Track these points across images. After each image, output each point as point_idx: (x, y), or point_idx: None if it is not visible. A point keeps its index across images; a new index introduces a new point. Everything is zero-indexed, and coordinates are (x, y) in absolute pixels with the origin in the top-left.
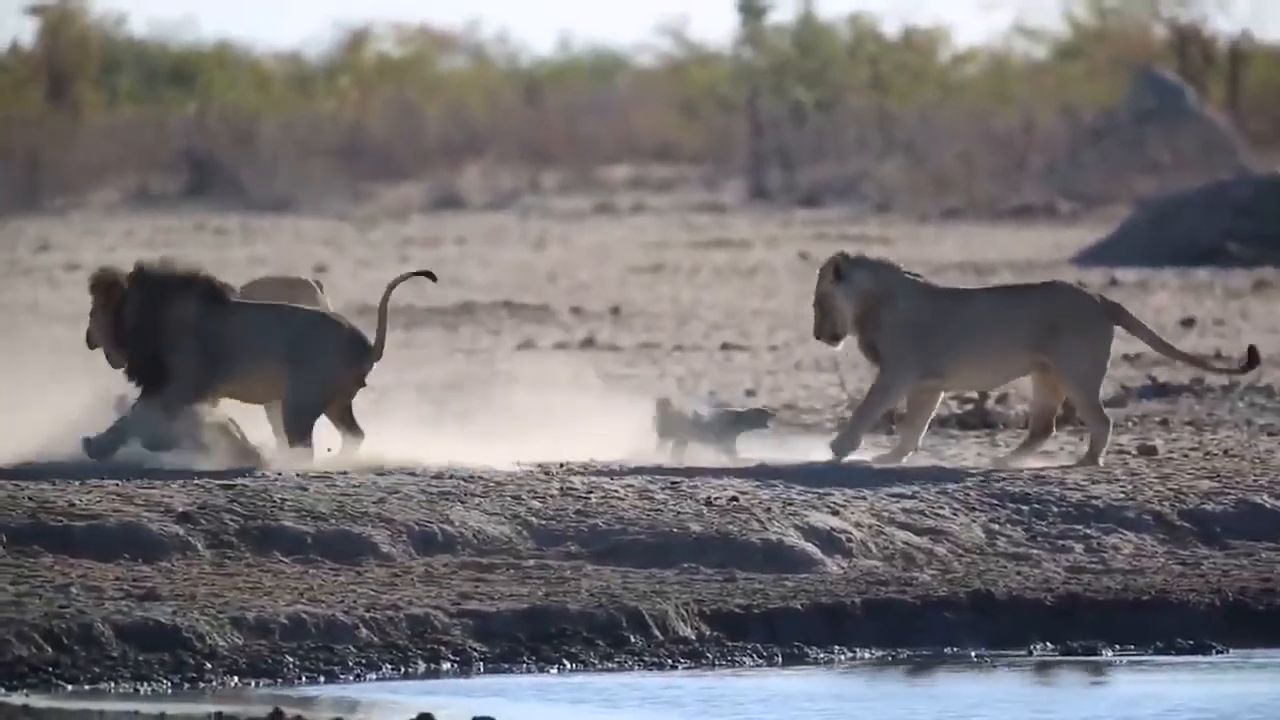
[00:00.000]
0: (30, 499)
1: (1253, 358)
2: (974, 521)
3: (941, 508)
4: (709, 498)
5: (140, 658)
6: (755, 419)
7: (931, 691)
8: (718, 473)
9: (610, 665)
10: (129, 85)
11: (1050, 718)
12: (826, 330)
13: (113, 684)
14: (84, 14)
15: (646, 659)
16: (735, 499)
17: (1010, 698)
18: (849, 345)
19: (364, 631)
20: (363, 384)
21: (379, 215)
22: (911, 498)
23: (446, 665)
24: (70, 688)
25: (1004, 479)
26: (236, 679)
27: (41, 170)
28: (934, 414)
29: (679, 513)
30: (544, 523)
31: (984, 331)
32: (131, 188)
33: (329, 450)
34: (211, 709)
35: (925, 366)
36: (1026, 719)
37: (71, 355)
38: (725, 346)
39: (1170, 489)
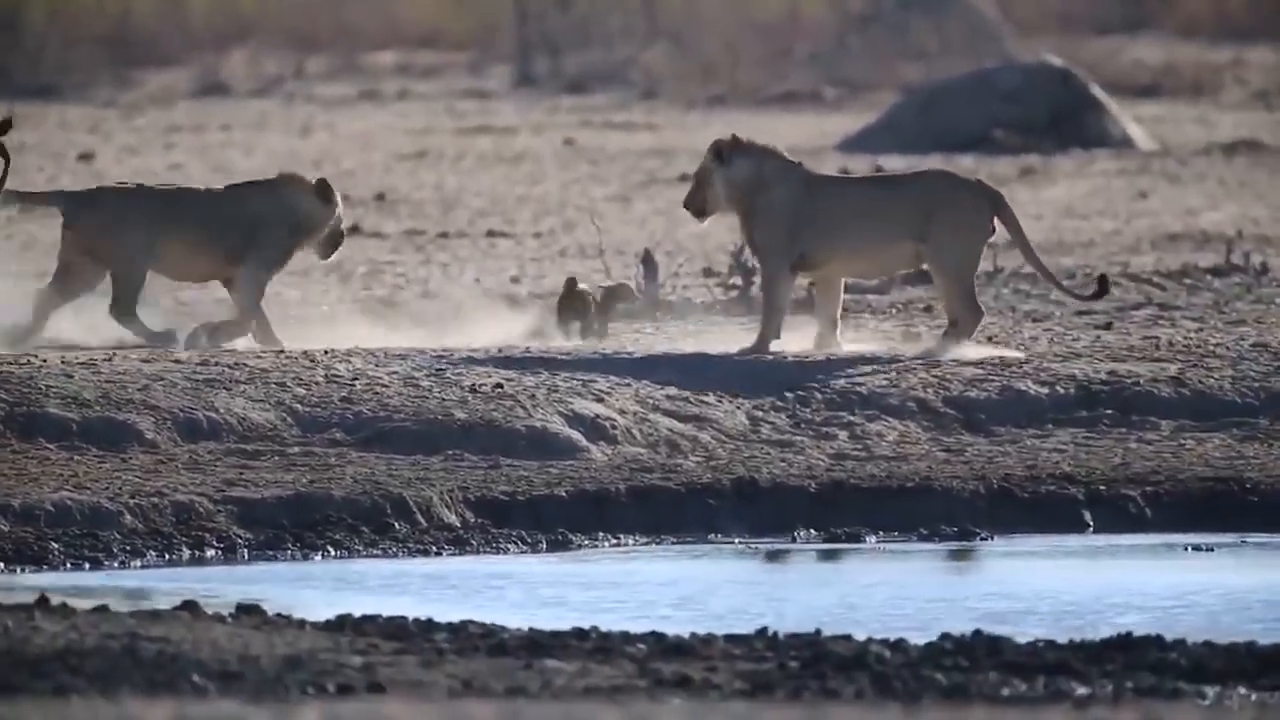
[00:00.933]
0: None
1: (1102, 286)
2: (738, 409)
3: (706, 395)
4: (474, 385)
5: None
6: (624, 294)
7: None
8: (482, 360)
9: (375, 552)
10: None
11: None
12: (696, 203)
13: None
14: None
15: (411, 546)
16: (500, 386)
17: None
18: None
19: (129, 518)
20: None
21: (144, 102)
22: (675, 385)
23: (211, 552)
24: None
25: (767, 366)
26: (2, 565)
27: None
28: (840, 302)
29: (444, 400)
30: (309, 410)
31: (858, 219)
32: None
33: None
34: None
35: (799, 255)
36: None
37: None
38: (490, 234)
39: (935, 376)
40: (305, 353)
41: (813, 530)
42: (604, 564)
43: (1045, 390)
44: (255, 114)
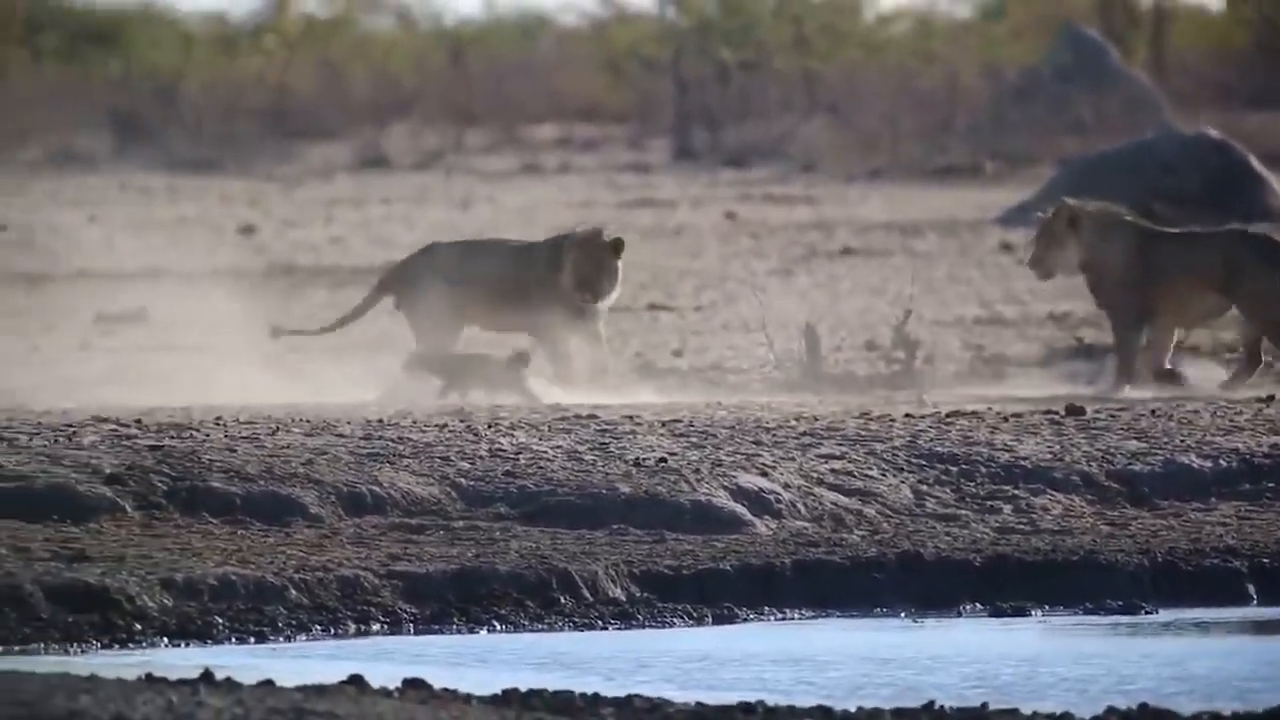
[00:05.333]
0: None
1: None
2: (902, 483)
3: (870, 469)
4: (638, 459)
5: (70, 619)
6: (519, 360)
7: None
8: (646, 433)
9: (540, 626)
10: (53, 44)
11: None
12: (1044, 266)
13: (42, 645)
14: None
15: (576, 620)
16: (664, 460)
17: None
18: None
19: (293, 593)
20: None
21: (305, 175)
22: (840, 459)
23: (376, 626)
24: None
25: (932, 439)
26: (166, 640)
27: None
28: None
29: (608, 474)
30: (473, 484)
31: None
32: (56, 147)
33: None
34: (141, 670)
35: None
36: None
37: None
38: (652, 307)
39: (1098, 449)
40: (469, 426)
41: (978, 604)
42: (770, 638)
43: (1208, 464)
44: (416, 187)
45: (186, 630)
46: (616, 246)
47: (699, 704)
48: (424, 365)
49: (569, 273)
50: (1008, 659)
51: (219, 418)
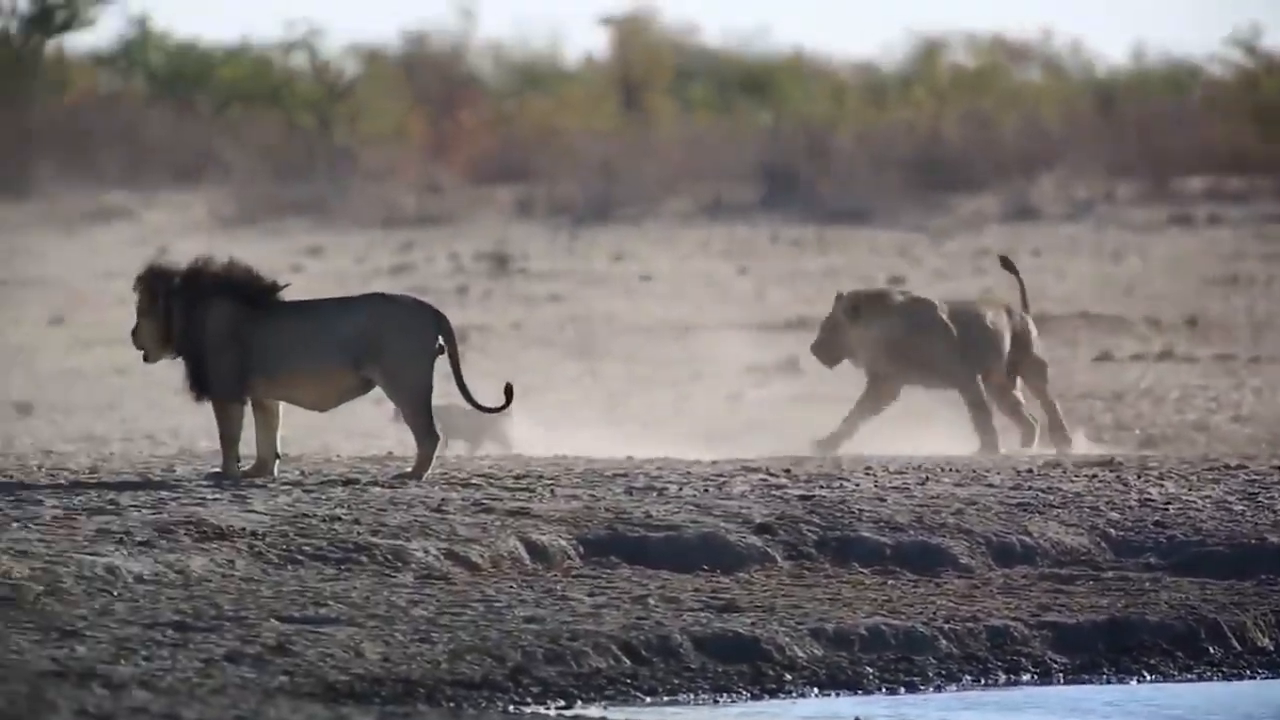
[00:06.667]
0: (607, 510)
1: None
2: None
3: None
4: None
5: (719, 669)
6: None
7: None
8: None
9: (1189, 676)
10: (702, 95)
11: None
12: (827, 354)
13: (691, 696)
14: (657, 24)
15: (1225, 670)
16: None
17: None
18: None
19: (943, 643)
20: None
21: (954, 226)
22: None
23: (1026, 676)
24: (648, 700)
25: None
26: (816, 690)
27: (615, 180)
28: None
29: (1256, 524)
30: (1122, 534)
31: None
32: (706, 198)
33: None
34: None
35: None
36: None
37: (644, 365)
38: None
39: None
40: (1118, 476)
41: None
42: None
43: None
44: (1065, 238)
45: (836, 680)
46: None
47: None
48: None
49: None
50: None
51: (868, 467)
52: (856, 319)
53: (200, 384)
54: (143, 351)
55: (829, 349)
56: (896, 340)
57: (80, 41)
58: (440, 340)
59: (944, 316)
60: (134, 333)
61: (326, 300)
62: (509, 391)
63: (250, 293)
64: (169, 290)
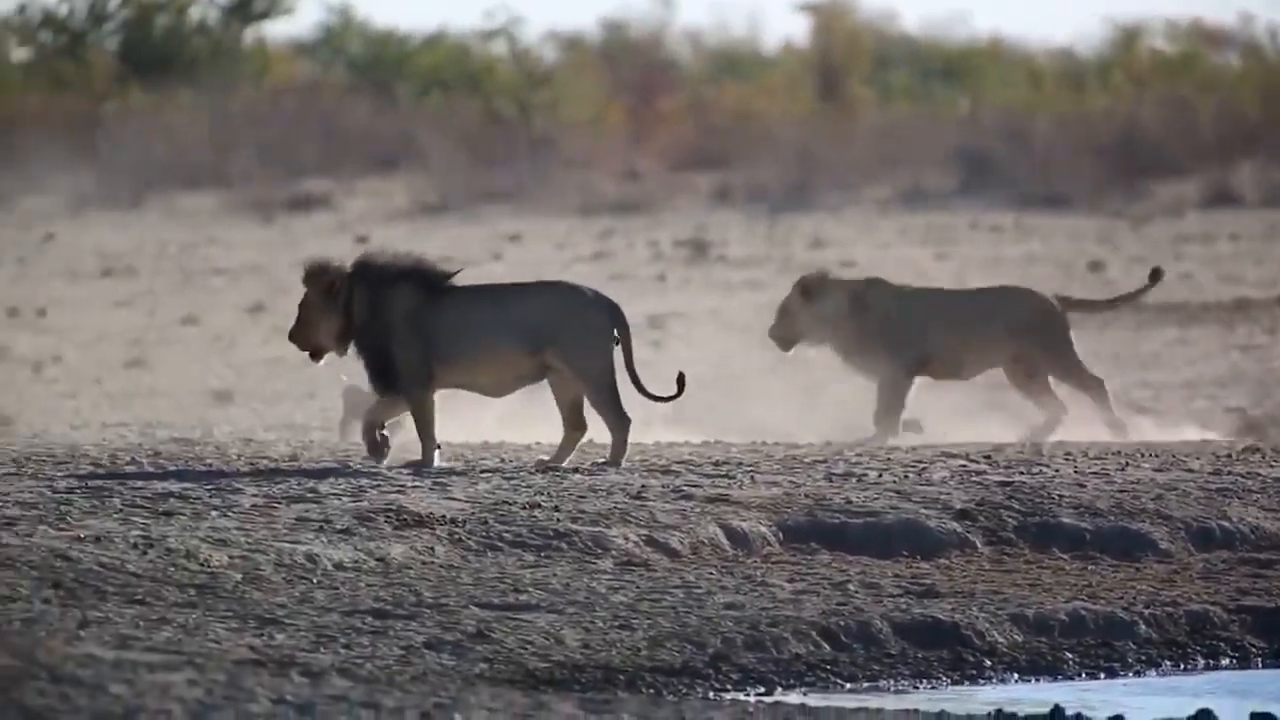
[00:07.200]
0: (806, 496)
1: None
2: None
3: None
4: None
5: (919, 655)
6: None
7: None
8: None
9: None
10: (901, 82)
11: None
12: (782, 337)
13: (891, 682)
14: (855, 11)
15: None
16: None
17: None
18: None
19: (1143, 628)
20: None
21: (1153, 212)
22: None
23: (1225, 661)
24: (848, 686)
25: None
26: (1016, 676)
27: (814, 167)
28: None
29: None
30: None
31: None
32: (904, 185)
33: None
34: (990, 706)
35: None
36: None
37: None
38: None
39: None
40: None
41: None
42: None
43: None
44: (1265, 224)
45: (1036, 666)
46: None
47: None
48: None
49: None
50: None
51: (1068, 453)
52: (808, 301)
53: (386, 377)
54: (308, 351)
55: (784, 332)
56: (840, 322)
57: (280, 30)
58: (615, 332)
59: (891, 299)
60: (297, 332)
61: (504, 285)
62: (681, 381)
63: (428, 279)
64: (349, 283)
